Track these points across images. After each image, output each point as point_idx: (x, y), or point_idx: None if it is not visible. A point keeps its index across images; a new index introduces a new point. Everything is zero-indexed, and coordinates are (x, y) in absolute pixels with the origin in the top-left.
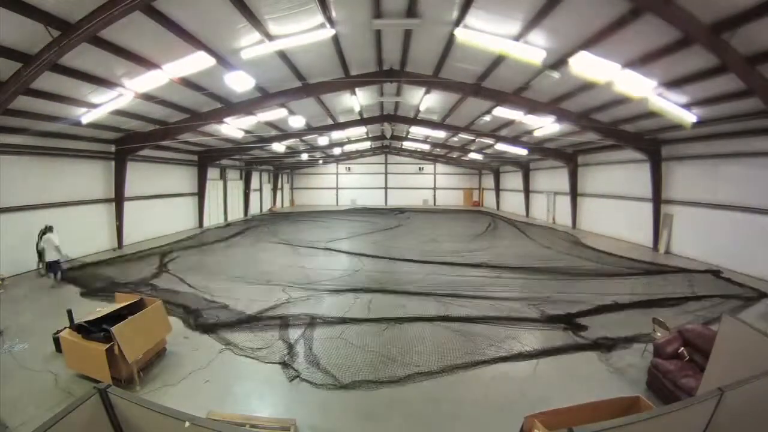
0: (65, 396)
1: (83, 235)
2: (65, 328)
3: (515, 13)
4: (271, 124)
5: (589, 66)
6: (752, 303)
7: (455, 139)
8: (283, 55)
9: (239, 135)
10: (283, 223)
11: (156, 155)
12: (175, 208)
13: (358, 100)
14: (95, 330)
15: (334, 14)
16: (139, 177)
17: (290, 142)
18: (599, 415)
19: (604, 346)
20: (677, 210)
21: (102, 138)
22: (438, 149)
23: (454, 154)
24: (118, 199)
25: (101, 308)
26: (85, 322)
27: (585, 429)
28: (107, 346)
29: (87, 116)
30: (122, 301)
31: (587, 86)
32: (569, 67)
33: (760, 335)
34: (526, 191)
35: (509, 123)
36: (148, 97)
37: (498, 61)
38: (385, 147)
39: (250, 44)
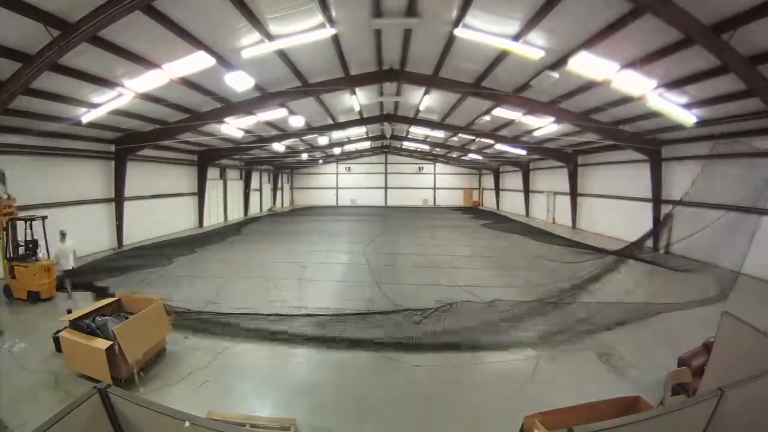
0: (65, 396)
1: (83, 236)
2: (65, 327)
3: (514, 13)
4: (271, 124)
5: (588, 66)
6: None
7: (455, 138)
8: (283, 54)
9: (239, 135)
10: None
11: (156, 155)
12: (175, 208)
13: (358, 99)
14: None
15: (334, 14)
16: (139, 177)
17: (290, 141)
18: (599, 415)
19: None
20: (677, 210)
21: (102, 138)
22: (438, 149)
23: (454, 154)
24: (118, 198)
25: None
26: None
27: (585, 429)
28: (107, 345)
29: (87, 116)
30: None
31: (587, 86)
32: (569, 67)
33: (760, 335)
34: (526, 191)
35: (509, 123)
36: (148, 96)
37: (497, 60)
38: (385, 147)
39: (250, 44)
